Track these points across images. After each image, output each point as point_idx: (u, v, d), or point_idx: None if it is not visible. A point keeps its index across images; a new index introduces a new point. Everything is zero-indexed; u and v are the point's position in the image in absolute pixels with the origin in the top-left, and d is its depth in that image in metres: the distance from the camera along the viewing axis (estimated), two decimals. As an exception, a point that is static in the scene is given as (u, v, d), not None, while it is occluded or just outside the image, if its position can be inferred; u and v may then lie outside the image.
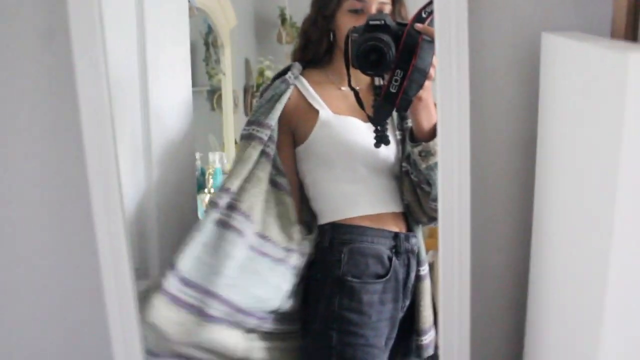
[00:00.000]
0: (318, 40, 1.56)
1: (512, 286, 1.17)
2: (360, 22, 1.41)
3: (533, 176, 1.02)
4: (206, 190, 3.13)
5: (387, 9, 1.48)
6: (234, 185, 1.39)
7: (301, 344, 1.51)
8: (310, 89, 1.54)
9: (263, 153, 1.44)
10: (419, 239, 1.57)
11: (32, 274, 1.33)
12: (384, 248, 1.50)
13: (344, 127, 1.50)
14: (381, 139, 1.42)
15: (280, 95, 1.48)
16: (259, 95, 1.60)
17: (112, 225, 1.14)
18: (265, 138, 1.44)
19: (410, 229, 1.56)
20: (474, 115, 0.97)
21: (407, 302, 1.57)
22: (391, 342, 1.56)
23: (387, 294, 1.50)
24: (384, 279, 1.49)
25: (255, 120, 1.47)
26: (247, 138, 1.45)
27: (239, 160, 1.43)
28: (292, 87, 1.51)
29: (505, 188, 1.09)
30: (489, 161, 1.06)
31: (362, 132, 1.50)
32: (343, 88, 1.55)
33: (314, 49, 1.58)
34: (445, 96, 0.96)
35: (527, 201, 1.06)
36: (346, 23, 1.47)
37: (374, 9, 1.47)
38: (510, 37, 1.01)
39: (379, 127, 1.42)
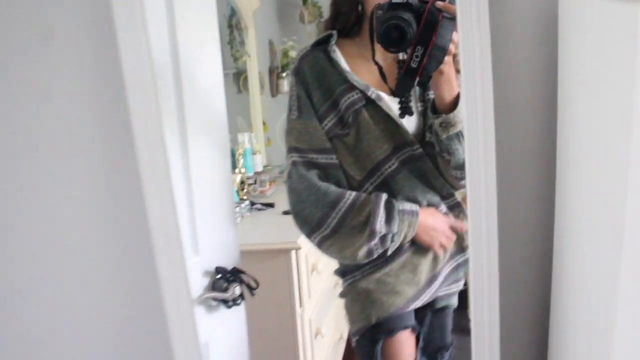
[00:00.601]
0: (347, 11, 1.60)
1: (537, 281, 1.21)
2: None
3: (554, 145, 1.05)
4: (237, 170, 3.19)
5: None
6: None
7: None
8: (344, 62, 1.59)
9: None
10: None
11: (87, 273, 1.40)
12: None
13: (386, 103, 1.55)
14: (405, 110, 1.47)
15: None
16: (306, 62, 1.63)
17: (165, 214, 1.22)
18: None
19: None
20: (497, 77, 1.00)
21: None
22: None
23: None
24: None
25: (366, 85, 1.56)
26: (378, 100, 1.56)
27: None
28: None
29: (529, 152, 1.12)
30: (512, 124, 1.09)
31: (389, 103, 1.56)
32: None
33: (344, 20, 1.62)
34: (468, 60, 0.99)
35: (551, 165, 1.09)
36: None
37: None
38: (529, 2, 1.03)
39: (402, 100, 1.46)
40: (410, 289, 1.63)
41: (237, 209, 2.72)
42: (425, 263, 1.64)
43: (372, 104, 1.55)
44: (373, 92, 1.54)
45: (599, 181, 0.79)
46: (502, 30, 1.04)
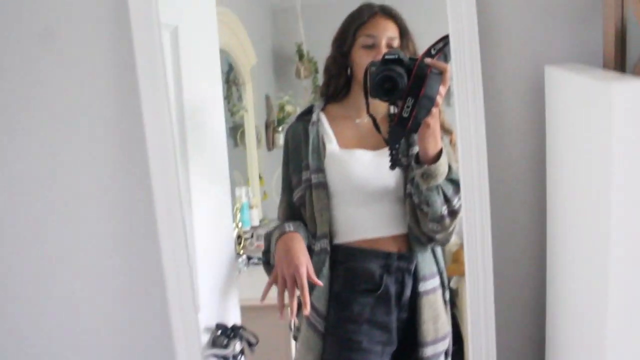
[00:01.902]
0: (337, 75, 1.73)
1: (533, 303, 1.24)
2: (372, 56, 1.60)
3: (545, 194, 1.11)
4: (234, 224, 3.19)
5: (396, 43, 1.64)
6: None
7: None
8: (326, 124, 1.71)
9: None
10: (417, 258, 1.64)
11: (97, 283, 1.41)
12: (375, 266, 1.63)
13: (347, 159, 1.65)
14: (395, 161, 1.53)
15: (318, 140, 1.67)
16: (289, 132, 1.77)
17: (181, 275, 1.26)
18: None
19: (410, 249, 1.64)
20: (490, 142, 1.07)
21: (405, 316, 1.66)
22: (391, 350, 1.66)
23: (379, 307, 1.63)
24: (375, 294, 1.62)
25: (317, 168, 1.64)
26: (318, 187, 1.63)
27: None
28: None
29: (520, 209, 1.19)
30: (506, 181, 1.17)
31: (366, 162, 1.66)
32: (357, 120, 1.71)
33: (334, 84, 1.74)
34: (464, 127, 1.05)
35: (541, 224, 1.14)
36: (361, 57, 1.64)
37: (383, 44, 1.63)
38: (518, 71, 1.13)
39: (393, 151, 1.52)
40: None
41: (240, 260, 2.72)
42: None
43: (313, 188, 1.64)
44: (316, 178, 1.63)
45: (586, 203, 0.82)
46: (494, 94, 1.10)
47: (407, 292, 1.65)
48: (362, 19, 1.66)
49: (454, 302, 4.02)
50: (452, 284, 4.00)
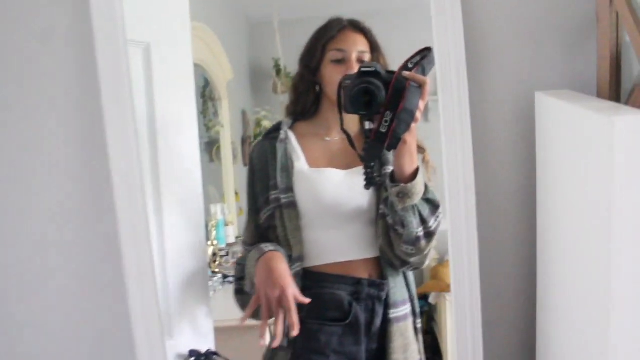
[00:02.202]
0: (306, 92, 1.65)
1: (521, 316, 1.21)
2: (342, 71, 1.52)
3: (535, 217, 1.07)
4: (209, 242, 3.14)
5: (367, 57, 1.58)
6: None
7: None
8: (295, 142, 1.63)
9: None
10: (389, 284, 1.54)
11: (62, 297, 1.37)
12: (344, 294, 1.53)
13: (316, 178, 1.56)
14: (371, 180, 1.46)
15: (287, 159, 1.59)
16: (255, 151, 1.67)
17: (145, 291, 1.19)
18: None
19: (382, 274, 1.56)
20: (478, 170, 1.04)
21: (374, 346, 1.56)
22: None
23: (347, 336, 1.52)
24: (344, 323, 1.52)
25: (286, 187, 1.55)
26: (288, 207, 1.55)
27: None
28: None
29: (510, 234, 1.14)
30: (494, 212, 1.12)
31: (337, 181, 1.57)
32: (327, 139, 1.64)
33: (303, 102, 1.66)
34: (451, 155, 1.01)
35: (531, 253, 1.11)
36: (330, 73, 1.57)
37: (354, 58, 1.55)
38: (508, 97, 1.09)
39: (368, 170, 1.44)
40: None
41: (210, 283, 2.66)
42: None
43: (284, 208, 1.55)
44: (285, 198, 1.54)
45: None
46: (481, 120, 1.07)
47: (378, 321, 1.55)
48: (331, 34, 1.59)
49: (432, 317, 4.04)
50: (431, 300, 4.03)
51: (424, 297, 4.03)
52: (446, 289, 3.60)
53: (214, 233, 3.20)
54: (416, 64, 1.33)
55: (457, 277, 1.06)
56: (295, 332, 1.39)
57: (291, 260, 1.51)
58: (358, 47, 1.58)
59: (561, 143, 0.86)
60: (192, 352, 1.45)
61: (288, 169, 1.57)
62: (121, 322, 1.27)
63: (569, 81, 1.04)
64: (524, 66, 1.08)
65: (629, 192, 0.63)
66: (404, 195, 1.40)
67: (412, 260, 1.49)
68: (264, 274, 1.45)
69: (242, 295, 1.57)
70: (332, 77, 1.55)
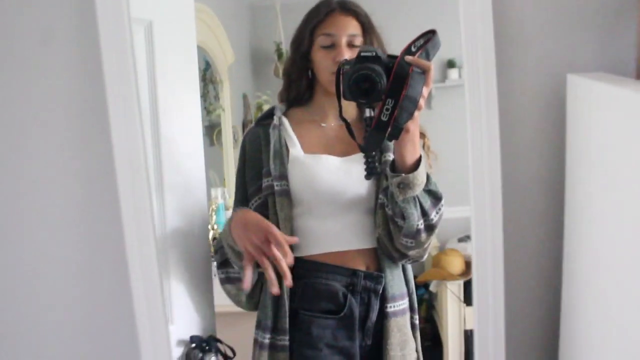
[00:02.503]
0: (298, 78, 1.60)
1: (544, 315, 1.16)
2: (332, 57, 1.47)
3: (562, 215, 1.01)
4: (209, 226, 3.11)
5: (359, 41, 1.51)
6: None
7: None
8: (289, 129, 1.57)
9: None
10: (387, 277, 1.50)
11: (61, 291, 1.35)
12: (339, 285, 1.48)
13: (312, 165, 1.51)
14: (372, 170, 1.39)
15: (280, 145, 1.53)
16: (247, 137, 1.62)
17: (146, 267, 1.15)
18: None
19: (379, 266, 1.52)
20: (504, 155, 0.98)
21: (369, 342, 1.51)
22: None
23: (341, 330, 1.48)
24: (338, 316, 1.48)
25: (280, 175, 1.50)
26: (281, 194, 1.49)
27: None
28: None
29: (537, 227, 1.08)
30: (520, 198, 1.06)
31: (334, 168, 1.51)
32: (323, 125, 1.59)
33: (296, 88, 1.61)
34: (476, 137, 0.96)
35: (557, 241, 1.05)
36: (320, 59, 1.52)
37: (344, 42, 1.49)
38: (536, 78, 1.02)
39: (369, 159, 1.38)
40: None
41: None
42: None
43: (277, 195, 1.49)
44: (278, 185, 1.49)
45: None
46: (510, 108, 1.02)
47: (373, 316, 1.50)
48: (319, 17, 1.52)
49: (432, 306, 4.03)
50: (432, 288, 4.02)
51: (424, 285, 4.01)
52: (448, 277, 3.58)
53: (214, 217, 3.16)
54: (419, 48, 1.26)
55: (479, 273, 1.02)
56: (288, 280, 1.34)
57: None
58: (348, 30, 1.51)
59: (597, 129, 0.80)
60: (194, 338, 1.43)
61: (282, 155, 1.51)
62: (123, 308, 1.24)
63: (603, 64, 0.98)
64: (555, 47, 1.01)
65: None
66: (405, 185, 1.35)
67: (411, 253, 1.45)
68: (241, 227, 1.39)
69: (230, 285, 1.53)
70: (322, 63, 1.50)
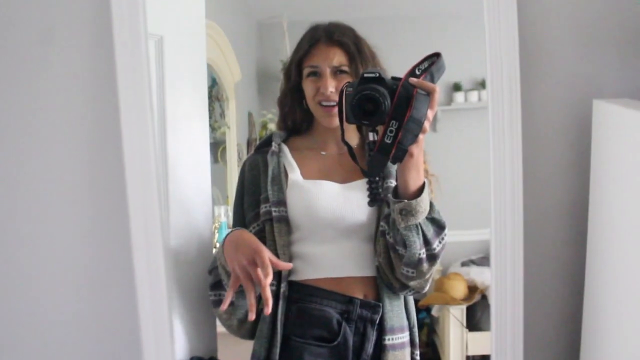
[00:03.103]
0: (291, 109, 1.59)
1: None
2: (317, 86, 1.47)
3: (585, 239, 0.99)
4: (212, 245, 3.09)
5: (345, 69, 1.48)
6: None
7: None
8: (289, 155, 1.56)
9: None
10: (386, 307, 1.45)
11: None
12: (333, 312, 1.44)
13: (311, 190, 1.49)
14: (375, 195, 1.35)
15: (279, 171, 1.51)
16: (247, 164, 1.60)
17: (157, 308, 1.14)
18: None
19: (378, 295, 1.47)
20: (527, 179, 0.96)
21: None
22: None
23: (334, 359, 1.43)
24: (331, 345, 1.43)
25: (278, 201, 1.47)
26: (279, 221, 1.46)
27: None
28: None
29: (558, 253, 1.05)
30: (541, 224, 1.03)
31: (334, 194, 1.49)
32: (323, 152, 1.57)
33: (292, 118, 1.60)
34: (498, 161, 0.94)
35: (579, 265, 1.02)
36: (307, 87, 1.51)
37: (327, 73, 1.48)
38: (562, 104, 1.00)
39: (372, 184, 1.34)
40: None
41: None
42: None
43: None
44: (277, 211, 1.47)
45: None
46: (533, 132, 1.00)
47: (369, 347, 1.45)
48: (304, 48, 1.52)
49: (434, 330, 4.00)
50: (434, 312, 3.98)
51: (426, 310, 3.97)
52: (450, 301, 3.55)
53: (216, 235, 3.14)
54: (424, 71, 1.24)
55: (499, 297, 0.99)
56: (268, 309, 1.29)
57: (280, 277, 1.44)
58: (332, 62, 1.49)
59: (623, 155, 0.79)
60: (194, 359, 1.40)
61: (280, 180, 1.49)
62: (129, 325, 1.22)
63: (628, 90, 0.96)
64: (580, 72, 0.99)
65: None
66: (408, 212, 1.32)
67: (412, 283, 1.40)
68: (233, 247, 1.36)
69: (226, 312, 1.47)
70: (308, 92, 1.49)
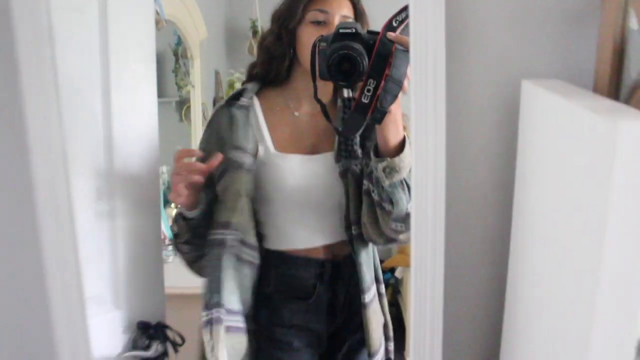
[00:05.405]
0: (281, 56, 1.51)
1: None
2: (324, 32, 1.39)
3: (510, 216, 0.97)
4: (173, 204, 3.06)
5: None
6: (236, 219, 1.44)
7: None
8: (261, 116, 1.52)
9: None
10: (360, 269, 1.52)
11: None
12: (308, 275, 1.53)
13: (281, 167, 1.48)
14: (351, 154, 1.39)
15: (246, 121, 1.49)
16: (212, 122, 1.56)
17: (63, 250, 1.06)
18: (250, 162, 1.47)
19: (346, 255, 1.55)
20: (450, 160, 0.93)
21: (339, 320, 1.57)
22: (320, 351, 1.59)
23: (310, 314, 1.54)
24: (308, 301, 1.54)
25: (239, 145, 1.46)
26: (237, 168, 1.45)
27: (233, 192, 1.44)
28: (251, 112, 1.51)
29: (480, 235, 1.03)
30: (465, 206, 1.01)
31: (303, 168, 1.49)
32: (296, 113, 1.54)
33: (277, 67, 1.52)
34: (421, 141, 0.91)
35: (503, 251, 1.02)
36: (309, 35, 1.43)
37: (336, 21, 1.43)
38: (488, 82, 0.95)
39: (349, 143, 1.38)
40: None
41: (170, 247, 2.59)
42: None
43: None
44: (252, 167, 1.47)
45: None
46: (458, 112, 0.96)
47: (341, 298, 1.57)
48: None
49: (398, 290, 4.05)
50: (397, 274, 4.04)
51: (390, 270, 4.04)
52: (412, 264, 3.58)
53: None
54: (401, 22, 1.19)
55: (418, 279, 0.98)
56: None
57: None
58: (342, 10, 1.46)
59: (548, 140, 0.77)
60: (141, 324, 1.39)
61: (255, 146, 1.49)
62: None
63: (560, 70, 0.93)
64: (510, 50, 0.94)
65: (627, 202, 0.56)
66: (391, 169, 1.31)
67: (401, 237, 1.42)
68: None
69: (183, 253, 1.56)
70: (309, 39, 1.40)
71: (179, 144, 3.58)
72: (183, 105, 3.70)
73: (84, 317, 1.09)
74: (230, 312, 1.41)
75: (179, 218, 1.50)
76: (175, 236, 1.54)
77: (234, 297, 1.43)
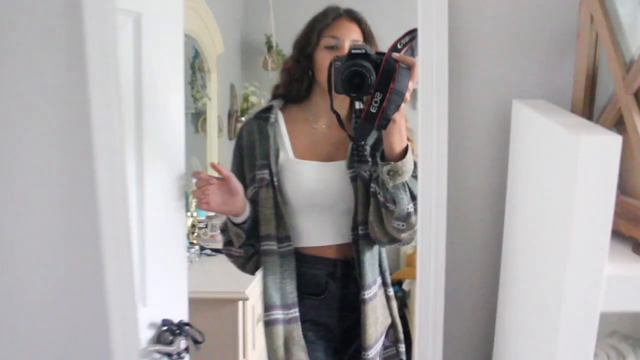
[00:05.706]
0: (300, 77, 1.73)
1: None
2: (336, 55, 1.56)
3: (502, 224, 1.10)
4: (189, 213, 3.15)
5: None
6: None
7: None
8: (283, 127, 1.74)
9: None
10: (364, 264, 1.67)
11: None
12: (322, 273, 1.72)
13: (300, 171, 1.68)
14: (361, 157, 1.60)
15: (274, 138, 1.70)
16: (245, 129, 1.78)
17: (122, 263, 1.17)
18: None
19: (356, 256, 1.69)
20: (452, 167, 1.06)
21: (353, 316, 1.70)
22: (334, 345, 1.74)
23: (322, 309, 1.72)
24: (320, 297, 1.71)
25: (265, 162, 1.68)
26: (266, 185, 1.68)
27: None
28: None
29: (477, 239, 1.16)
30: (465, 206, 1.14)
31: (319, 174, 1.68)
32: (315, 126, 1.74)
33: (297, 87, 1.75)
34: (426, 154, 1.04)
35: (497, 246, 1.13)
36: (324, 59, 1.64)
37: (347, 46, 1.63)
38: (485, 101, 1.09)
39: (360, 148, 1.59)
40: None
41: (187, 254, 2.68)
42: None
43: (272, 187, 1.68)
44: (276, 180, 1.67)
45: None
46: (459, 126, 1.09)
47: (350, 296, 1.71)
48: (326, 21, 1.68)
49: (405, 304, 4.08)
50: (405, 286, 4.06)
51: (397, 283, 4.08)
52: (420, 275, 3.61)
53: (194, 204, 3.20)
54: (405, 45, 1.38)
55: (423, 278, 1.09)
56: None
57: (271, 238, 1.67)
58: (352, 35, 1.66)
59: (531, 153, 0.90)
60: (165, 322, 1.47)
61: (277, 154, 1.69)
62: (95, 290, 1.24)
63: (546, 92, 1.07)
64: (505, 73, 1.09)
65: (587, 209, 0.67)
66: (395, 173, 1.49)
67: (403, 235, 1.58)
68: None
69: (235, 258, 1.77)
70: (324, 62, 1.63)
71: (195, 154, 3.67)
72: (199, 117, 3.79)
73: (134, 310, 1.23)
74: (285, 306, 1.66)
75: (229, 226, 1.71)
76: (227, 244, 1.76)
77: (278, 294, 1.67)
